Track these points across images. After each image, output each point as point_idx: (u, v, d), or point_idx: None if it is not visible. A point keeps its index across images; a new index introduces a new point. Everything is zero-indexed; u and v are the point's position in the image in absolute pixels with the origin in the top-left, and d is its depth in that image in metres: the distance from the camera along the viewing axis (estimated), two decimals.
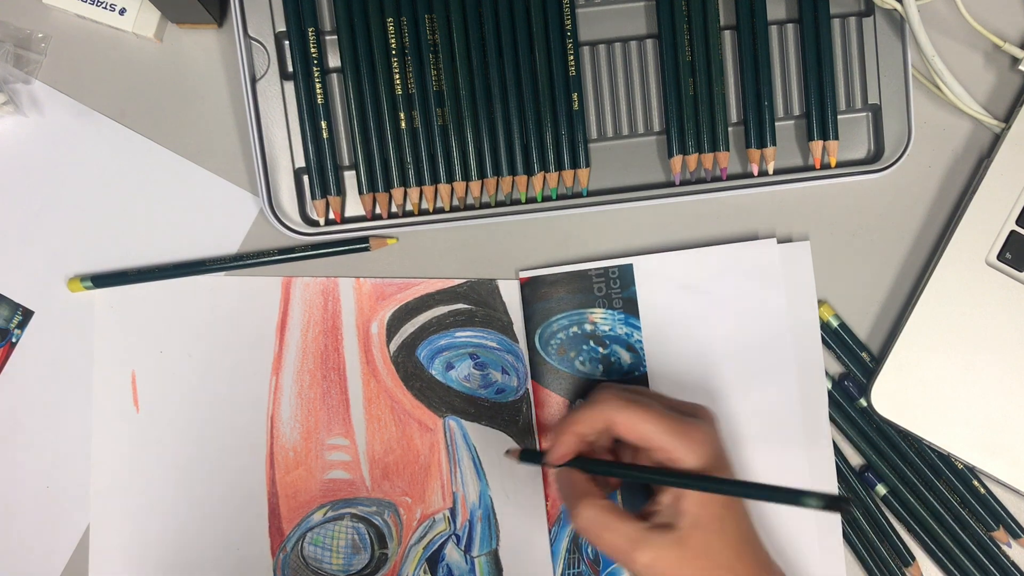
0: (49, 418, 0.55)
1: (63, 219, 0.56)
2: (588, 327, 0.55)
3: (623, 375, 0.55)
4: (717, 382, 0.55)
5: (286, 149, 0.54)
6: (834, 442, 0.55)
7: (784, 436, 0.55)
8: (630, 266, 0.56)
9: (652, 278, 0.56)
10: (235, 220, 0.56)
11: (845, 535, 0.55)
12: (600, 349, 0.55)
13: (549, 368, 0.55)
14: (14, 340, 0.55)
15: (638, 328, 0.55)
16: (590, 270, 0.56)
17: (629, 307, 0.56)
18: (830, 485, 0.55)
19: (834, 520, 0.55)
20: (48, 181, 0.56)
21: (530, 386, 0.56)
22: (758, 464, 0.55)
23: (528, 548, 0.55)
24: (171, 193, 0.56)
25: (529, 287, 0.56)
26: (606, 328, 0.55)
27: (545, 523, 0.55)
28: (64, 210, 0.56)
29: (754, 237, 0.56)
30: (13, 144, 0.56)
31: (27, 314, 0.56)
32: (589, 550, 0.55)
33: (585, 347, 0.55)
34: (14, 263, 0.56)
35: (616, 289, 0.55)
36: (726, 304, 0.56)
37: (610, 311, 0.55)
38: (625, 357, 0.55)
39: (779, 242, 0.56)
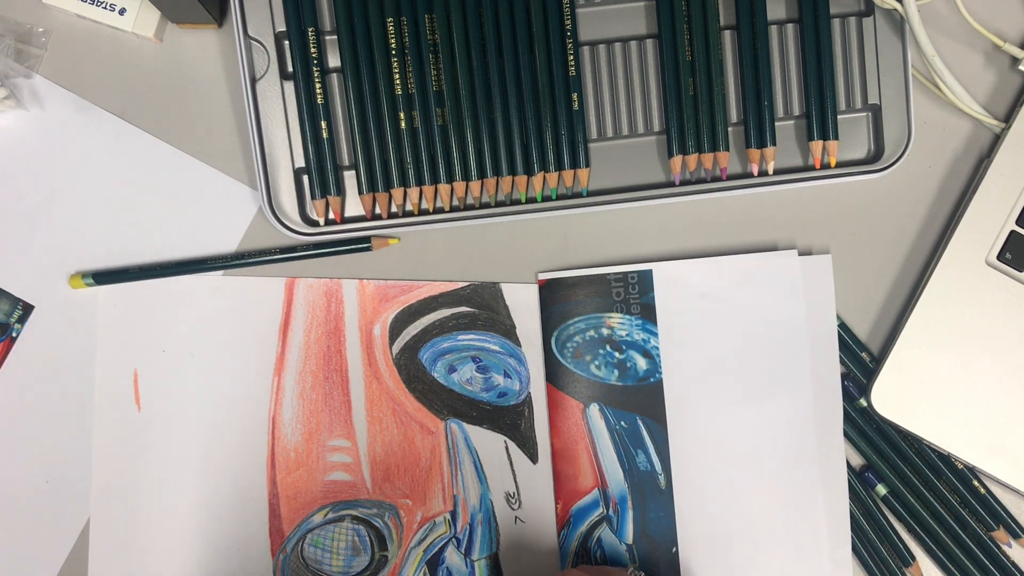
0: (48, 414, 0.55)
1: (64, 213, 0.56)
2: (605, 331, 0.55)
3: (638, 381, 0.55)
4: (732, 391, 0.55)
5: (286, 149, 0.54)
6: None
7: (797, 449, 0.55)
8: (649, 272, 0.55)
9: (671, 285, 0.55)
10: (234, 216, 0.56)
11: None
12: (616, 354, 0.55)
13: (564, 371, 0.55)
14: (14, 335, 0.55)
15: (655, 334, 0.55)
16: (609, 274, 0.55)
17: (647, 313, 0.55)
18: (841, 500, 0.55)
19: (844, 533, 0.55)
20: (49, 175, 0.56)
21: (532, 390, 0.55)
22: (769, 477, 0.55)
23: (531, 552, 0.55)
24: (170, 187, 0.56)
25: (547, 289, 0.55)
26: (623, 333, 0.55)
27: (554, 527, 0.55)
28: (65, 204, 0.56)
29: (762, 240, 0.56)
30: (14, 138, 0.56)
31: (27, 309, 0.55)
32: (598, 555, 0.55)
33: (601, 351, 0.55)
34: (14, 257, 0.55)
35: (635, 294, 0.55)
36: (744, 314, 0.55)
37: (628, 316, 0.55)
38: (641, 363, 0.55)
39: (800, 254, 0.56)
